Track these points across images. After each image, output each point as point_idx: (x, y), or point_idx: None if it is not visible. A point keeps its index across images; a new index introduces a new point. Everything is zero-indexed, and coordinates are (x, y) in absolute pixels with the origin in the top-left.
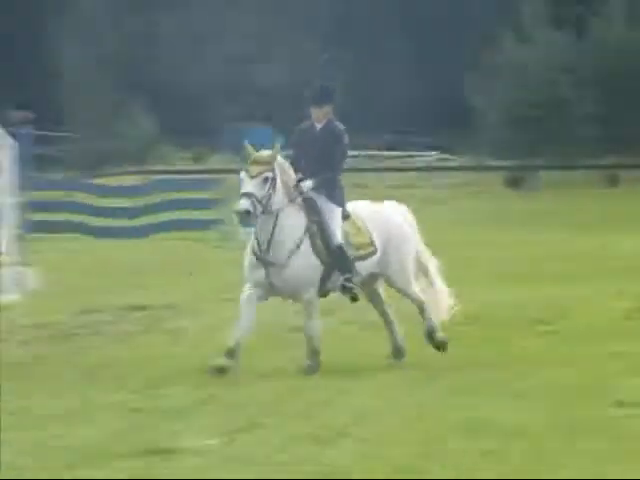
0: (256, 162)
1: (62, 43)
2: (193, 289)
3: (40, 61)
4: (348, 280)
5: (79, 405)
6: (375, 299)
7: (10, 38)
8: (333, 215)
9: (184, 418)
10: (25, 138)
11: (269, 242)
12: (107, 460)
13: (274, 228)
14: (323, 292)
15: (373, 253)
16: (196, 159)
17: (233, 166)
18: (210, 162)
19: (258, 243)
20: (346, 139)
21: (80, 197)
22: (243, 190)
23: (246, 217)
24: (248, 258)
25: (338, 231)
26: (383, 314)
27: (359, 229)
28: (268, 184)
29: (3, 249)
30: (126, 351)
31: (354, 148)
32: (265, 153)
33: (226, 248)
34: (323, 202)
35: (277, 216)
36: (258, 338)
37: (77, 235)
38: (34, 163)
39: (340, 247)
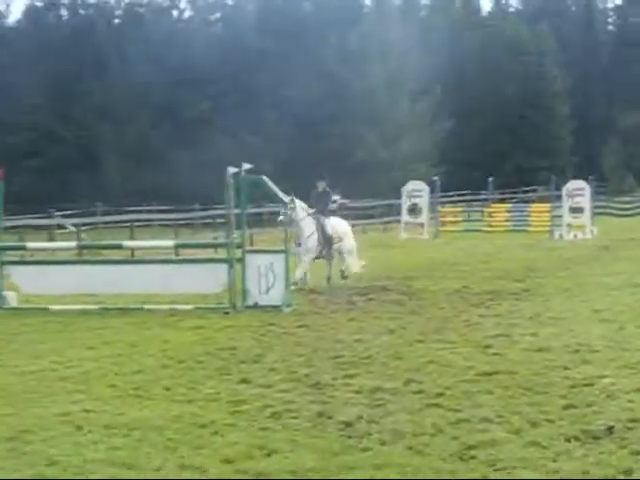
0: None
1: None
2: None
3: None
4: (328, 251)
5: None
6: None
7: None
8: (326, 223)
9: None
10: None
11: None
12: None
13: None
14: (317, 257)
15: (339, 241)
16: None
17: None
18: None
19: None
20: (330, 196)
21: None
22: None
23: (282, 222)
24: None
25: (328, 229)
26: (329, 265)
27: (334, 231)
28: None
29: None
30: None
31: None
32: (288, 198)
33: None
34: (322, 217)
35: (299, 223)
36: None
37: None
38: None
39: (329, 237)
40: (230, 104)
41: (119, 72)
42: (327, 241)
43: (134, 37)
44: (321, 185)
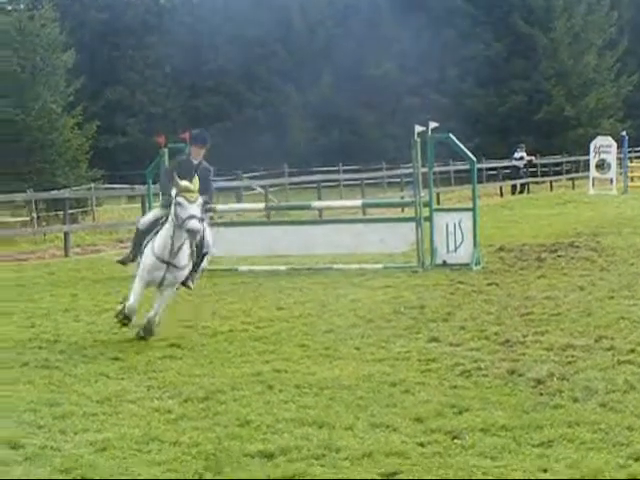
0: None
1: None
2: None
3: None
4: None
5: None
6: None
7: None
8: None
9: None
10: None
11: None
12: None
13: None
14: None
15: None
16: None
17: None
18: None
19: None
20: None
21: None
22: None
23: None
24: None
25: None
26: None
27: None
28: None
29: None
30: None
31: None
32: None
33: None
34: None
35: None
36: None
37: None
38: None
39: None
40: (413, 62)
41: (303, 34)
42: (200, 252)
43: (319, 0)
44: (199, 150)
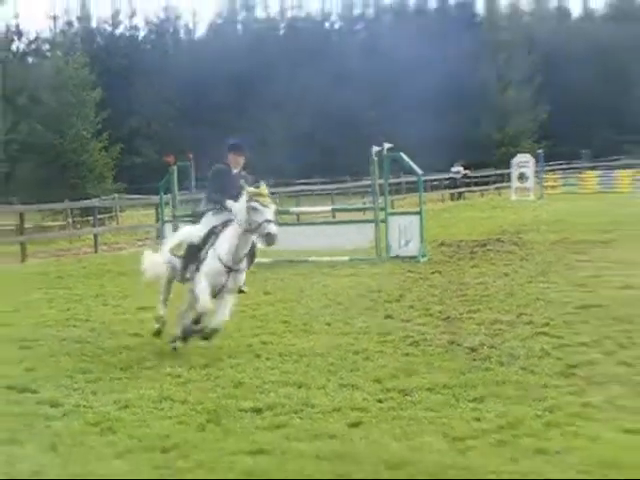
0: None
1: None
2: None
3: None
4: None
5: None
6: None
7: None
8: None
9: None
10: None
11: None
12: None
13: None
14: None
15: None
16: None
17: None
18: None
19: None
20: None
21: None
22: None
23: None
24: None
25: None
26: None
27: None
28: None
29: None
30: None
31: None
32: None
33: None
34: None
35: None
36: None
37: None
38: None
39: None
40: (374, 98)
41: (285, 75)
42: (253, 256)
43: (296, 46)
44: (238, 158)
